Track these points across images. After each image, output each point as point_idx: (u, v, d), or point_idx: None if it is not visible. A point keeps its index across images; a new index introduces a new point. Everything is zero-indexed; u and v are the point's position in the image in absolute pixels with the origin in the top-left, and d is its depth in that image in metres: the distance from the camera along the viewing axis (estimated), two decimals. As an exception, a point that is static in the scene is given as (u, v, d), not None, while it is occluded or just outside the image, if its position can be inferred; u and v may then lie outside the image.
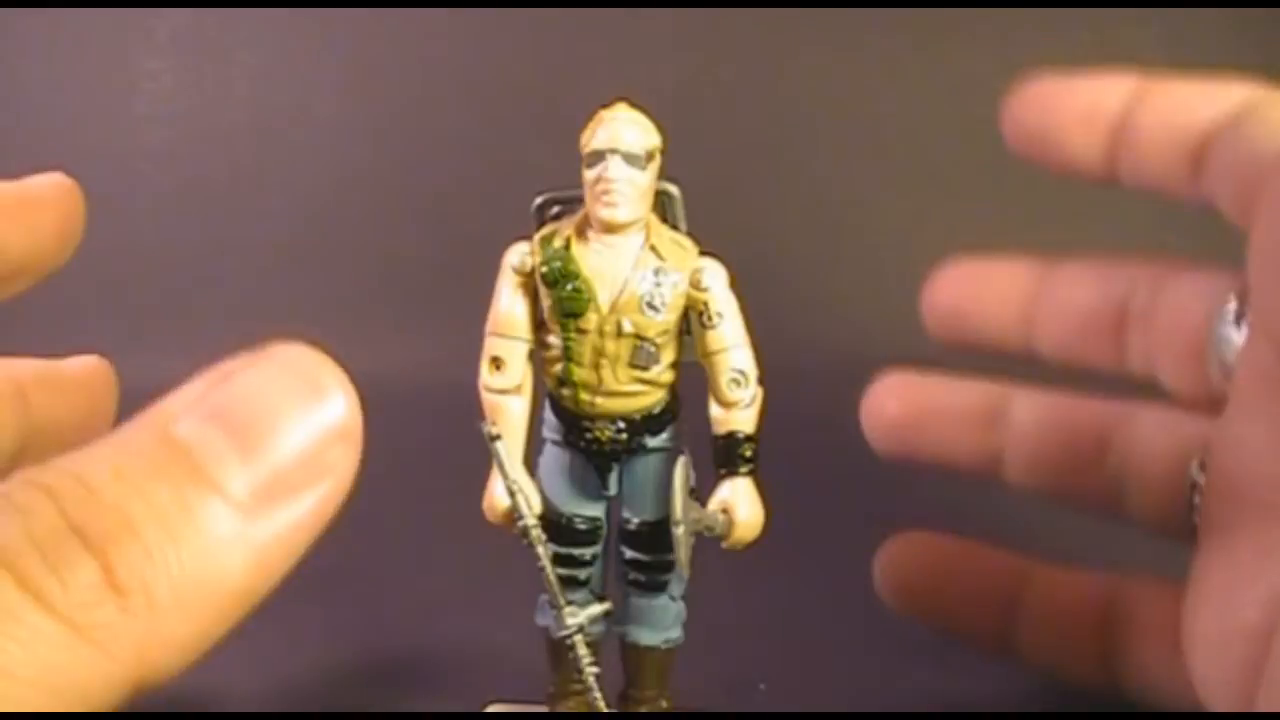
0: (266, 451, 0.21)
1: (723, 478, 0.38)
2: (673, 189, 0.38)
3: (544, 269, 0.37)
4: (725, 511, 0.38)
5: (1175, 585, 0.36)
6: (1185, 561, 0.35)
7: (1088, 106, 0.37)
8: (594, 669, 0.39)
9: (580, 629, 0.38)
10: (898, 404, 0.43)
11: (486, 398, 0.39)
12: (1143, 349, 0.38)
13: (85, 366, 0.34)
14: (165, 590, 0.20)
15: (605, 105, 0.37)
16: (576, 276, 0.37)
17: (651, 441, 0.39)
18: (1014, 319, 0.41)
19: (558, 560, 0.39)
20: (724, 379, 0.38)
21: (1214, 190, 0.35)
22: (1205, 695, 0.32)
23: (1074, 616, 0.40)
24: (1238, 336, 0.34)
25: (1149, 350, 0.38)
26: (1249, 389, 0.32)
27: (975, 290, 0.42)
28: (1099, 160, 0.37)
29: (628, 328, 0.37)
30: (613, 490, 0.40)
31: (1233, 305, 0.34)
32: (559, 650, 0.40)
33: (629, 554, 0.40)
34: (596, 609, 0.40)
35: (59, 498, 0.20)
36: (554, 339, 0.38)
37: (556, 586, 0.38)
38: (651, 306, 0.37)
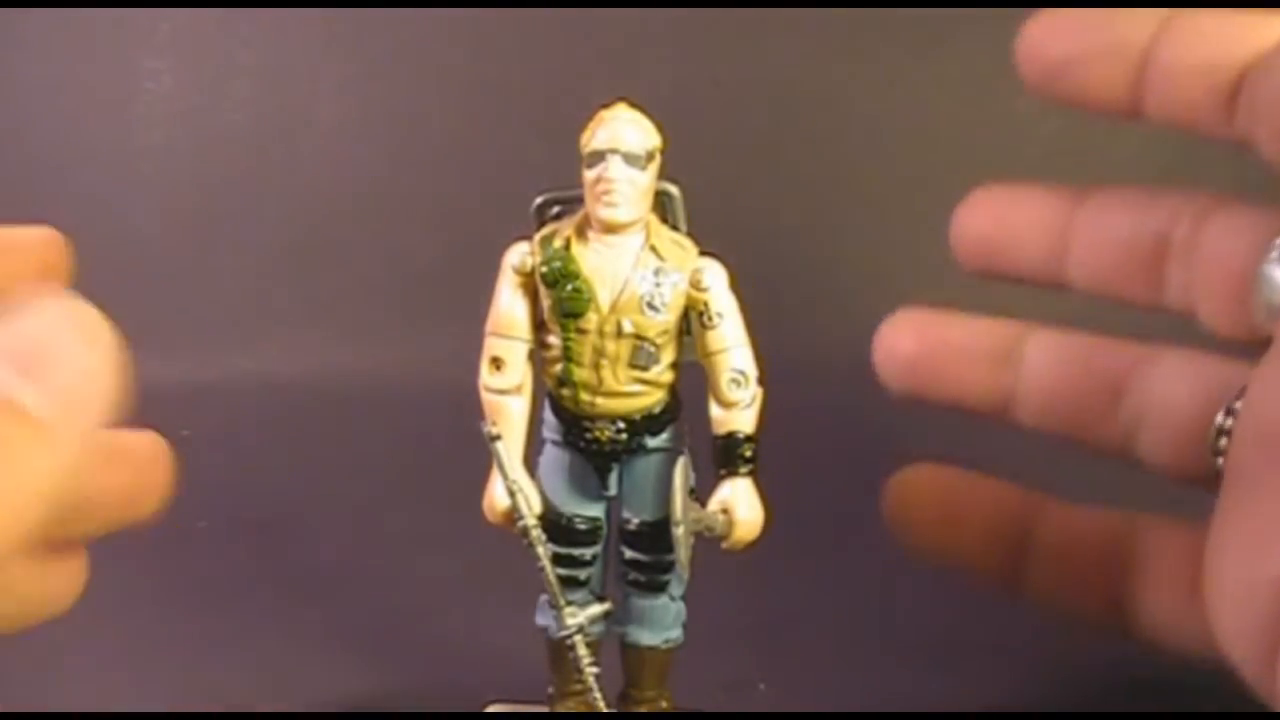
0: (53, 375, 0.26)
1: (723, 478, 0.38)
2: (673, 189, 0.38)
3: (544, 269, 0.37)
4: (725, 511, 0.38)
5: (1192, 528, 0.35)
6: (1203, 505, 0.34)
7: (1111, 39, 0.36)
8: (594, 669, 0.39)
9: (580, 629, 0.39)
10: (912, 340, 0.42)
11: (486, 398, 0.39)
12: (1182, 284, 0.37)
13: (136, 441, 0.35)
14: None
15: (605, 105, 0.37)
16: (576, 276, 0.37)
17: (651, 442, 0.39)
18: (1047, 248, 0.39)
19: (558, 560, 0.39)
20: (724, 379, 0.38)
21: (1251, 128, 0.34)
22: (1225, 644, 0.31)
23: (1086, 555, 0.39)
24: None
25: (1189, 286, 0.37)
26: None
27: (1006, 218, 0.41)
28: (1124, 95, 0.36)
29: (628, 328, 0.37)
30: (613, 490, 0.40)
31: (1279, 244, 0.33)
32: (559, 650, 0.40)
33: (629, 554, 0.40)
34: (596, 609, 0.40)
35: None
36: (554, 339, 0.38)
37: (556, 586, 0.38)
38: (652, 306, 0.37)
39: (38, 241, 0.35)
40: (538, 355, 0.39)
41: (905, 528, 0.41)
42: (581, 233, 0.37)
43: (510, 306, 0.38)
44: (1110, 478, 0.40)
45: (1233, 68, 0.34)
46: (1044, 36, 0.37)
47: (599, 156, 0.36)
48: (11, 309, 0.27)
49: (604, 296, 0.37)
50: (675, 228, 0.38)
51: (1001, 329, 0.41)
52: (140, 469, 0.34)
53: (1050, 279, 0.40)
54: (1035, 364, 0.40)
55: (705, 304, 0.37)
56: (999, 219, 0.40)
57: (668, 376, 0.38)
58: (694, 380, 0.39)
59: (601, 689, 0.39)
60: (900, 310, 0.42)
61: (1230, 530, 0.31)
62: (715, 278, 0.37)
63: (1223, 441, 0.35)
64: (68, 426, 0.26)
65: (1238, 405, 0.34)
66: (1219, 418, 0.36)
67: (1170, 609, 0.37)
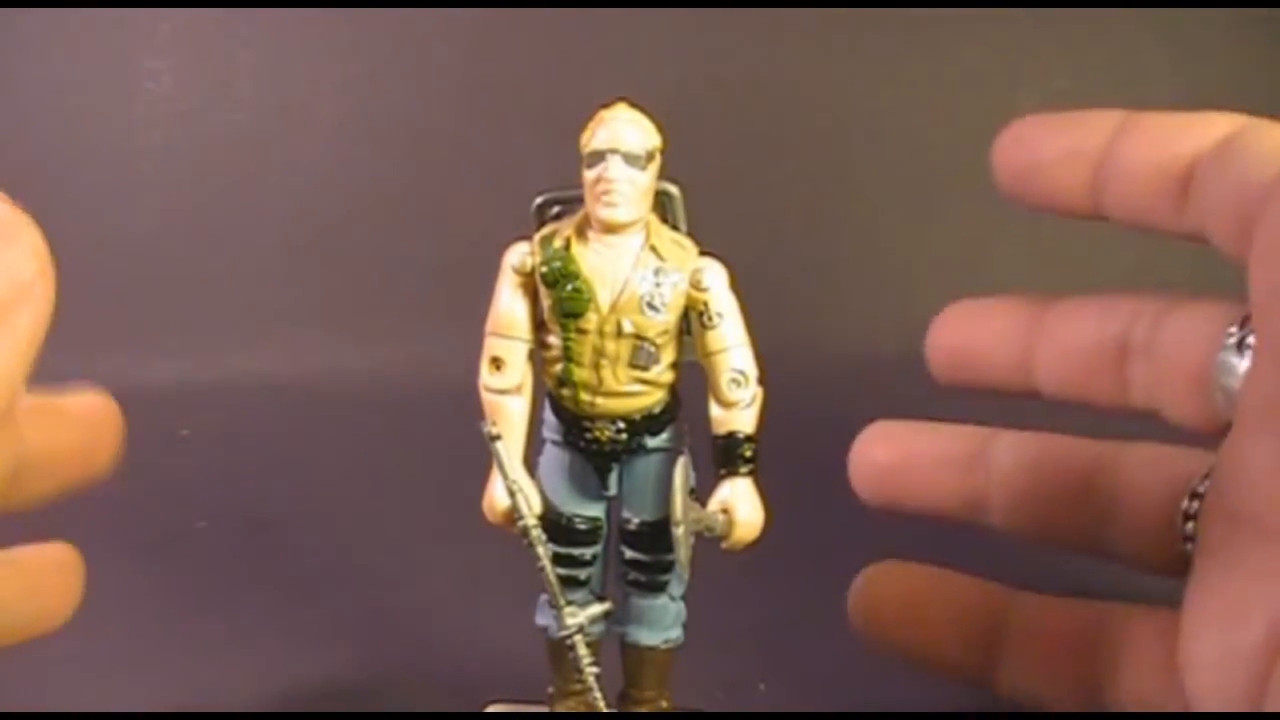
0: None
1: (723, 478, 0.38)
2: (673, 189, 0.38)
3: (544, 269, 0.37)
4: (725, 511, 0.38)
5: (1162, 613, 0.36)
6: (1173, 592, 0.35)
7: (1071, 143, 0.38)
8: (594, 669, 0.39)
9: (580, 629, 0.39)
10: (884, 451, 0.43)
11: (486, 398, 0.39)
12: (1145, 382, 0.39)
13: (84, 401, 0.35)
14: None
15: (605, 105, 0.37)
16: (576, 276, 0.37)
17: (651, 441, 0.39)
18: (1015, 358, 0.41)
19: (558, 560, 0.39)
20: (724, 379, 0.38)
21: (1201, 219, 0.35)
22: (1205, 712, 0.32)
23: (1059, 646, 0.40)
24: (1240, 363, 0.34)
25: (1151, 383, 0.38)
26: (1253, 412, 0.32)
27: (976, 331, 0.42)
28: (1084, 197, 0.38)
29: (628, 328, 0.37)
30: (613, 490, 0.40)
31: (1235, 332, 0.34)
32: (559, 650, 0.40)
33: (629, 554, 0.40)
34: (596, 609, 0.40)
35: None
36: (554, 339, 0.38)
37: (556, 586, 0.38)
38: (652, 306, 0.37)
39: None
40: (538, 355, 0.39)
41: (872, 628, 0.42)
42: (581, 233, 0.37)
43: (510, 306, 0.38)
44: (1079, 567, 0.41)
45: (1182, 165, 0.35)
46: (1014, 143, 0.39)
47: (599, 156, 0.36)
48: None
49: (604, 296, 0.37)
50: (675, 228, 0.38)
51: (970, 434, 0.43)
52: (91, 427, 0.34)
53: (1020, 388, 0.41)
54: (1004, 466, 0.42)
55: (705, 304, 0.37)
56: (968, 335, 0.42)
57: (668, 376, 0.38)
58: (694, 380, 0.39)
59: (601, 689, 0.39)
60: (871, 425, 0.44)
61: (1205, 604, 0.32)
62: (715, 278, 0.37)
63: (1189, 526, 0.36)
64: None
65: (1201, 489, 0.35)
66: (1184, 503, 0.37)
67: (1145, 690, 0.37)
